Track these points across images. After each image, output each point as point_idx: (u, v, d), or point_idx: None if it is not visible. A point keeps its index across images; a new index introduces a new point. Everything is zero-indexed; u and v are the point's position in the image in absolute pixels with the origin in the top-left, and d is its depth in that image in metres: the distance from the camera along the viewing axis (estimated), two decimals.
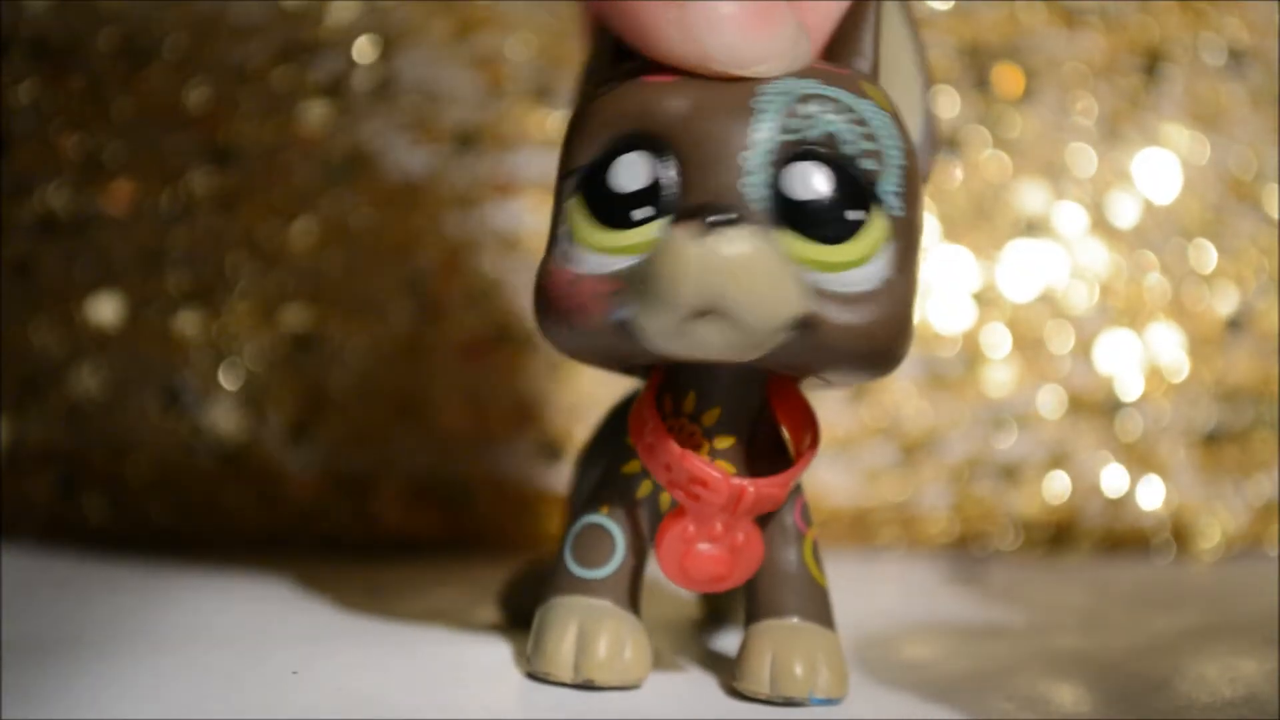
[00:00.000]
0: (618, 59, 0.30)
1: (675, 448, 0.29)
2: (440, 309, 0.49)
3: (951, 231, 0.51)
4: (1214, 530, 0.52)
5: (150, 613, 0.37)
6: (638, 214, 0.28)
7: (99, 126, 0.50)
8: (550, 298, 0.29)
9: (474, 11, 0.51)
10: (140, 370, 0.49)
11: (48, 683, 0.29)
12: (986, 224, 0.52)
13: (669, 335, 0.27)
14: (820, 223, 0.28)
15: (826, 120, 0.28)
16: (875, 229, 0.28)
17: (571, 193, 0.29)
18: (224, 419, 0.49)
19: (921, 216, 0.30)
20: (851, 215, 0.28)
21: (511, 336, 0.49)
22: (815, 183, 0.28)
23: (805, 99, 0.28)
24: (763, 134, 0.28)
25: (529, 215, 0.49)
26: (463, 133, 0.50)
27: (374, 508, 0.49)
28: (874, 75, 0.30)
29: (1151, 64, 0.53)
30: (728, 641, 0.35)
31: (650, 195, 0.28)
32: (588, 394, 0.49)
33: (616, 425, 0.32)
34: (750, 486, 0.29)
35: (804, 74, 0.28)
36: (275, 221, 0.49)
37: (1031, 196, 0.52)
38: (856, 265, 0.28)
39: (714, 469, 0.29)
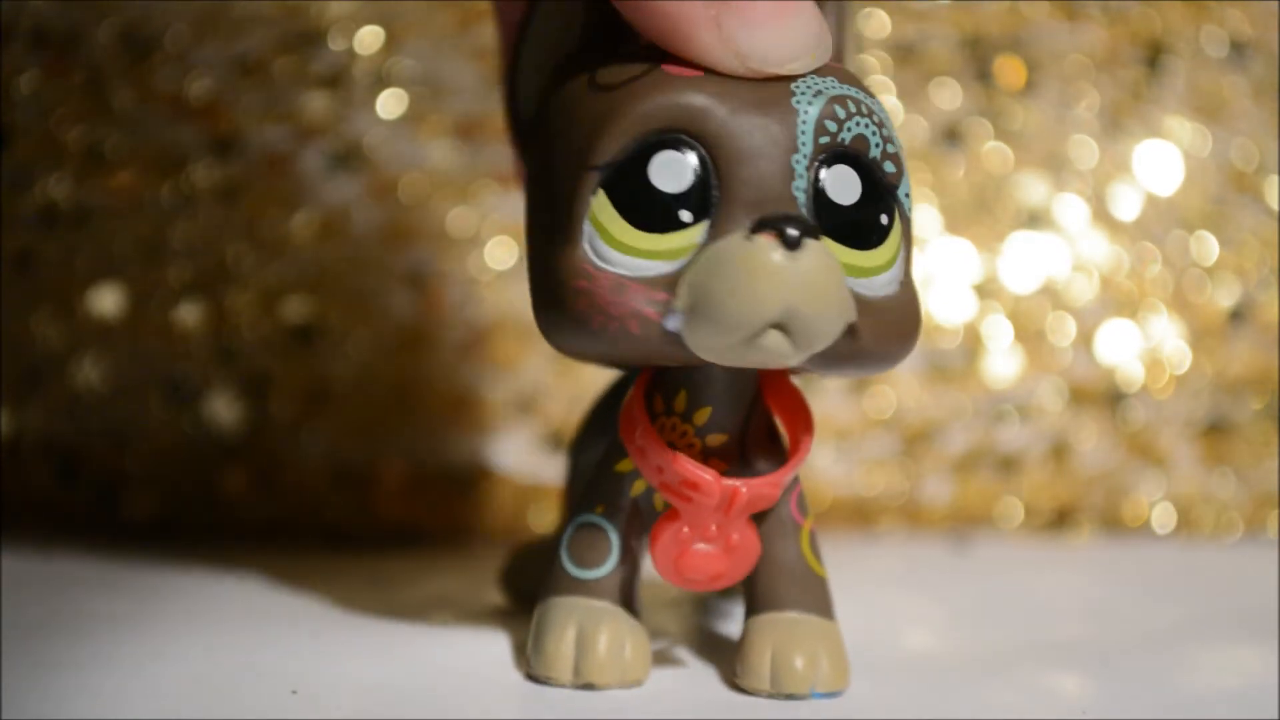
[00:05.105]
0: (589, 37, 0.29)
1: (666, 450, 0.28)
2: (441, 300, 0.49)
3: (953, 223, 0.51)
4: (1214, 521, 0.52)
5: (151, 604, 0.37)
6: (683, 216, 0.27)
7: (100, 118, 0.50)
8: (583, 303, 0.27)
9: (476, 3, 0.51)
10: (141, 362, 0.49)
11: (47, 679, 0.29)
12: (988, 216, 0.52)
13: (731, 349, 0.26)
14: (860, 227, 0.27)
15: (857, 123, 0.27)
16: (896, 232, 0.28)
17: (594, 190, 0.27)
18: (225, 410, 0.49)
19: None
20: (884, 219, 0.28)
21: (512, 327, 0.49)
22: (855, 187, 0.27)
23: (838, 100, 0.27)
24: (806, 135, 0.27)
25: None
26: (464, 124, 0.50)
27: (375, 498, 0.49)
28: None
29: (1153, 56, 0.53)
30: (728, 635, 0.35)
31: (693, 197, 0.27)
32: (589, 385, 0.48)
33: (606, 416, 0.32)
34: (743, 487, 0.28)
35: (823, 73, 0.28)
36: (276, 213, 0.49)
37: (1033, 188, 0.52)
38: (885, 269, 0.28)
39: (706, 471, 0.28)
